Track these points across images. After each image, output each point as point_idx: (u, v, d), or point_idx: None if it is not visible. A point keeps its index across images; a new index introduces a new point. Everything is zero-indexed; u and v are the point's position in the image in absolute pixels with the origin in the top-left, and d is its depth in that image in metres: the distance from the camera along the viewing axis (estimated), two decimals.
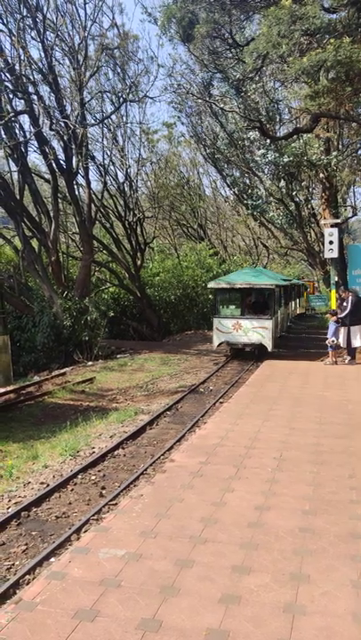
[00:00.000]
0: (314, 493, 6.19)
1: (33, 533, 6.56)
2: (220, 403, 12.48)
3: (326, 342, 15.90)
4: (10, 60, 20.24)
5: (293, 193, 28.27)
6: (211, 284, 19.27)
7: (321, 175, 24.46)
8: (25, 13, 20.43)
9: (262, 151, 23.19)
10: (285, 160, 22.21)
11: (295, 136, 21.61)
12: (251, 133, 24.46)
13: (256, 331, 18.08)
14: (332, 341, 15.65)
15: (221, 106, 24.63)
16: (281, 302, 22.97)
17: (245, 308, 18.62)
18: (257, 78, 20.01)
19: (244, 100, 22.41)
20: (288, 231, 32.32)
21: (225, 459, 7.45)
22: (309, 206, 31.46)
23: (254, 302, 19.19)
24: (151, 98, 26.76)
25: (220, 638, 3.71)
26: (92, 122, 25.63)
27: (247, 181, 30.57)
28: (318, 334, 22.81)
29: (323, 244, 21.62)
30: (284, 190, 27.98)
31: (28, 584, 5.17)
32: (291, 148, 22.52)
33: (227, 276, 22.10)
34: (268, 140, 22.38)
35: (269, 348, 18.00)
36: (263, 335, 18.03)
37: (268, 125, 23.37)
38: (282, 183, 26.80)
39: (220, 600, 4.15)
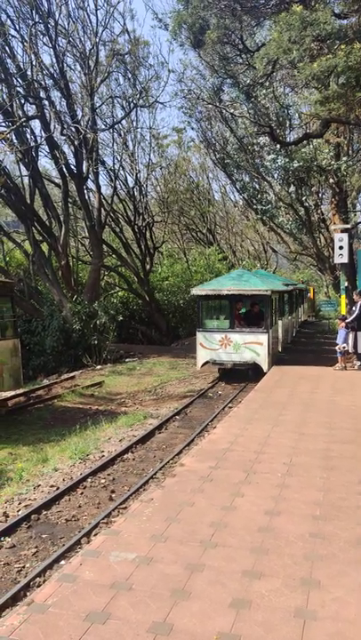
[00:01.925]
0: (324, 499, 6.18)
1: (43, 536, 6.59)
2: (230, 407, 12.49)
3: (336, 348, 15.85)
4: (22, 66, 20.44)
5: (303, 198, 28.28)
6: (194, 291, 16.46)
7: (331, 180, 24.48)
8: (37, 19, 20.64)
9: (272, 156, 23.24)
10: (295, 165, 22.24)
11: (305, 141, 21.69)
12: (261, 138, 24.54)
13: (249, 347, 15.49)
14: (343, 347, 15.60)
15: (231, 111, 24.73)
16: (284, 310, 20.38)
17: (235, 320, 15.99)
18: (267, 84, 20.10)
19: (254, 105, 22.48)
20: (297, 236, 32.32)
21: (235, 463, 7.45)
22: (319, 211, 31.46)
23: (247, 312, 16.68)
24: (161, 103, 27.04)
25: None
26: (103, 127, 25.79)
27: (257, 186, 30.62)
28: (328, 344, 20.31)
29: (332, 250, 21.59)
30: (293, 195, 27.99)
31: (38, 586, 5.21)
32: (301, 154, 22.57)
33: (213, 280, 19.59)
34: (278, 145, 22.44)
35: (265, 368, 15.36)
36: (258, 352, 15.42)
37: (278, 130, 23.42)
38: (291, 188, 26.83)
39: (231, 604, 4.15)
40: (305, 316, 36.35)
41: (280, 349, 18.94)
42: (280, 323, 18.78)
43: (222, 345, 15.67)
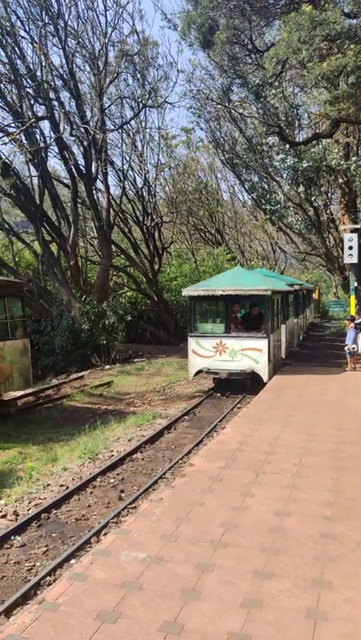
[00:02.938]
0: (334, 500, 6.16)
1: (53, 535, 6.62)
2: (238, 408, 12.47)
3: (345, 349, 15.79)
4: (32, 67, 20.50)
5: (312, 198, 28.20)
6: (185, 292, 15.09)
7: (340, 180, 24.38)
8: (47, 21, 20.69)
9: (281, 156, 23.18)
10: (304, 165, 22.17)
11: (314, 141, 21.61)
12: (270, 138, 24.49)
13: (246, 354, 13.94)
14: (352, 348, 15.54)
15: (241, 111, 24.70)
16: (288, 312, 18.74)
17: (232, 324, 14.43)
18: (276, 84, 20.06)
19: (263, 105, 22.45)
20: (306, 236, 32.22)
21: (244, 464, 7.44)
22: (328, 211, 31.34)
23: (245, 315, 15.33)
24: (170, 103, 26.97)
25: None
26: (112, 127, 25.82)
27: (266, 186, 30.56)
28: (338, 348, 19.22)
29: (342, 250, 21.52)
30: (302, 195, 27.92)
31: (49, 585, 5.23)
32: (310, 153, 22.50)
33: (207, 279, 17.91)
34: (288, 145, 22.38)
35: (265, 378, 13.84)
36: (256, 360, 13.86)
37: (287, 130, 23.36)
38: (301, 188, 26.76)
39: (242, 604, 4.15)
40: (311, 317, 35.75)
41: (284, 356, 17.39)
42: (283, 326, 17.33)
43: (217, 351, 14.19)
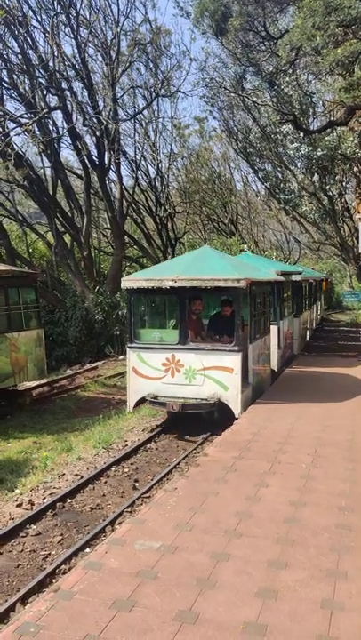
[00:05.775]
0: (350, 490, 6.12)
1: (68, 524, 6.65)
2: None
3: None
4: (44, 57, 20.47)
5: (327, 187, 27.91)
6: (123, 283, 10.38)
7: (355, 169, 24.11)
8: (59, 10, 20.62)
9: (295, 145, 22.93)
10: (319, 153, 21.92)
11: (329, 129, 21.34)
12: (284, 127, 24.21)
13: (209, 375, 9.68)
14: None
15: (254, 99, 24.46)
16: (282, 310, 14.45)
17: (190, 330, 10.07)
18: (290, 71, 19.80)
19: (277, 93, 22.20)
20: (321, 226, 31.92)
21: (259, 454, 7.42)
22: (343, 200, 31.02)
23: (214, 318, 10.87)
24: (183, 92, 26.69)
25: (257, 632, 3.69)
26: (125, 117, 25.76)
27: (279, 175, 30.29)
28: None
29: (357, 239, 21.31)
30: (317, 184, 27.65)
31: (64, 574, 5.26)
32: (324, 142, 22.23)
33: (157, 265, 13.74)
34: (302, 134, 22.13)
35: (237, 411, 9.58)
36: (224, 384, 9.59)
37: (301, 119, 23.08)
38: (315, 177, 26.50)
39: (257, 594, 4.14)
40: (321, 312, 32.15)
41: (277, 368, 13.40)
42: (275, 329, 13.32)
43: (168, 371, 9.95)
